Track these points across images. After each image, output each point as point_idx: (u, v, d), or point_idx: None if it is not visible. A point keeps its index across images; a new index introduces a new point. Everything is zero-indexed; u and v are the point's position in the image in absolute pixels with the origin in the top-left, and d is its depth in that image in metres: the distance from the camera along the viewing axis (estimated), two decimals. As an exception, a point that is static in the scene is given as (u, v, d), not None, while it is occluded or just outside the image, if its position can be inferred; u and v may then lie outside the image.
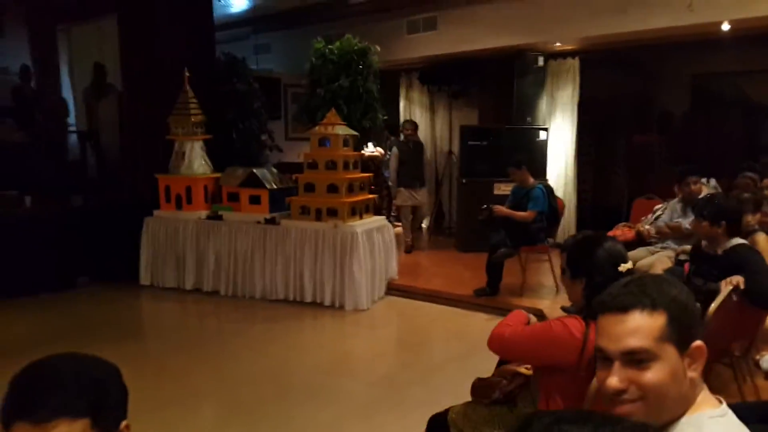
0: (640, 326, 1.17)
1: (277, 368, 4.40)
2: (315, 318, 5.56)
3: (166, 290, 6.39)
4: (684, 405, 1.16)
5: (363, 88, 7.42)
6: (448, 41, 8.45)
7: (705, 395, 1.20)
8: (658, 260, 4.70)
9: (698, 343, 1.17)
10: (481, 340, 2.52)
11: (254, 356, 4.62)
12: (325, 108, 6.72)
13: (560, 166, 8.37)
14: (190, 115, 6.47)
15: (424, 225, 9.79)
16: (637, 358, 1.16)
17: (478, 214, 6.32)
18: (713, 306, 2.92)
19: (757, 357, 2.53)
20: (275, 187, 6.26)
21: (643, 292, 1.22)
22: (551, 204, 6.18)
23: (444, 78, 9.58)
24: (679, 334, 1.17)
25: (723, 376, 3.70)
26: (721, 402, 1.20)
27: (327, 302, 5.72)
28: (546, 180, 7.60)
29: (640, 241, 5.44)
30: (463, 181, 7.84)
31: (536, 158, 7.81)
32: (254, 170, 6.30)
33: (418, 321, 5.59)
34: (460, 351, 4.70)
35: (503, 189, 7.05)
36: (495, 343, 2.28)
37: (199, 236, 6.31)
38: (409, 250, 8.06)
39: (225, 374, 4.25)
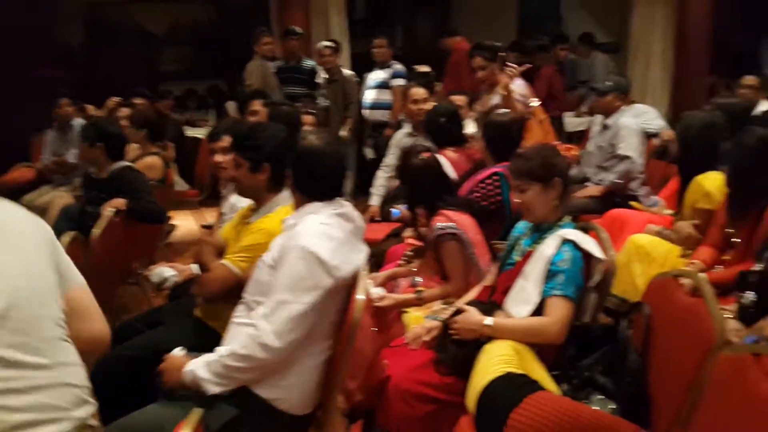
0: None
1: None
2: None
3: None
4: None
5: None
6: None
7: None
8: (57, 197, 4.50)
9: None
10: None
11: None
12: None
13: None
14: None
15: None
16: None
17: None
18: (96, 230, 2.90)
19: (147, 272, 2.63)
20: None
21: None
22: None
23: None
24: None
25: (134, 295, 3.84)
26: None
27: None
28: None
29: (44, 179, 5.15)
30: None
31: None
32: None
33: None
34: None
35: None
36: None
37: None
38: None
39: None
